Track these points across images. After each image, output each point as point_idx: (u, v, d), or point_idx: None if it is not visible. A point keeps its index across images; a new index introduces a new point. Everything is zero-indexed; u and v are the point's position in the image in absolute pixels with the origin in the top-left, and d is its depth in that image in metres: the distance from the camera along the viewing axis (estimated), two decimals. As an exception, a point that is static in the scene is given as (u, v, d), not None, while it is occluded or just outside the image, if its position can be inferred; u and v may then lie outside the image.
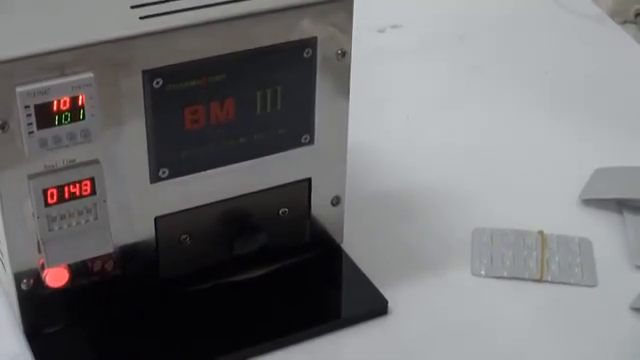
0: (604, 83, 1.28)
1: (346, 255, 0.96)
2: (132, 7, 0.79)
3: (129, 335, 0.87)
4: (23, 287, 0.82)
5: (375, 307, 0.91)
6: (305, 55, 0.83)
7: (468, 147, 1.14)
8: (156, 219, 0.85)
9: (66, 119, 0.75)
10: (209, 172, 0.85)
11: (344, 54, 0.85)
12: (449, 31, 1.38)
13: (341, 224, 0.95)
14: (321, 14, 0.82)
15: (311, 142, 0.88)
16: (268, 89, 0.83)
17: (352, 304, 0.93)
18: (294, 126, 0.86)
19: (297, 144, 0.87)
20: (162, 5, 0.79)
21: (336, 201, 0.93)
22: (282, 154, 0.87)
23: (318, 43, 0.83)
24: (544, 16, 1.44)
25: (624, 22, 1.45)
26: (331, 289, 0.95)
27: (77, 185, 0.79)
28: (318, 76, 0.85)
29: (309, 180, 0.90)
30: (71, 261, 0.82)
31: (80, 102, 0.75)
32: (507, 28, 1.40)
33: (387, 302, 0.91)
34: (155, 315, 0.89)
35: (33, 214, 0.79)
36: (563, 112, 1.21)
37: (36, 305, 0.84)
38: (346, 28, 0.84)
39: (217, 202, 0.87)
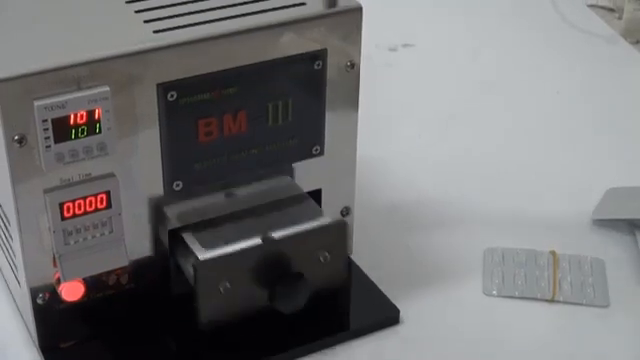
0: (616, 103, 1.29)
1: (355, 265, 0.96)
2: (145, 21, 0.80)
3: (144, 349, 0.87)
4: (39, 301, 0.83)
5: (387, 316, 0.91)
6: (315, 67, 0.84)
7: (479, 165, 1.15)
8: (195, 265, 0.82)
9: (82, 133, 0.76)
10: (222, 184, 0.85)
11: (353, 66, 0.86)
12: (461, 50, 1.39)
13: (351, 235, 0.95)
14: (331, 26, 0.83)
15: (321, 153, 0.89)
16: (279, 101, 0.84)
17: (363, 314, 0.93)
18: (305, 137, 0.87)
19: (308, 155, 0.88)
20: (175, 19, 0.80)
21: (346, 212, 0.94)
22: (293, 165, 0.88)
23: (328, 55, 0.84)
24: (556, 36, 1.44)
25: (637, 42, 1.46)
26: (341, 299, 0.95)
27: (93, 199, 0.79)
28: (328, 88, 0.86)
29: (319, 191, 0.91)
30: (87, 275, 0.82)
31: (96, 116, 0.76)
32: (519, 48, 1.41)
33: (399, 311, 0.91)
34: (169, 328, 0.89)
35: (49, 228, 0.79)
36: (575, 131, 1.22)
37: (52, 319, 0.84)
38: (355, 40, 0.85)
39: (255, 247, 0.83)
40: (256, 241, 0.84)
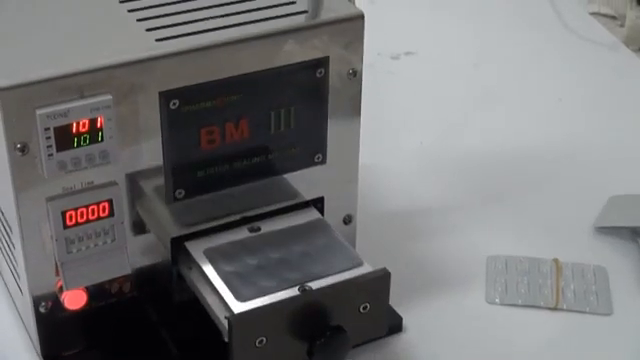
0: (619, 110, 1.28)
1: (358, 273, 0.96)
2: (147, 30, 0.80)
3: (146, 357, 0.88)
4: (41, 310, 0.83)
5: (389, 324, 0.90)
6: (318, 75, 0.84)
7: (482, 172, 1.15)
8: (231, 319, 0.76)
9: (85, 141, 0.76)
10: (224, 192, 0.85)
11: (355, 73, 0.86)
12: (463, 58, 1.39)
13: (353, 242, 0.95)
14: (333, 34, 0.83)
15: (324, 161, 0.88)
16: (282, 109, 0.84)
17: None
18: (307, 145, 0.87)
19: (310, 163, 0.88)
20: (177, 27, 0.80)
21: (348, 219, 0.93)
22: (296, 173, 0.88)
23: (330, 63, 0.84)
24: (558, 44, 1.44)
25: (639, 49, 1.46)
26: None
27: (95, 207, 0.79)
28: (330, 95, 0.86)
29: (322, 199, 0.91)
30: (89, 283, 0.82)
31: (99, 124, 0.76)
32: (521, 56, 1.40)
33: (401, 319, 0.91)
34: (171, 337, 0.89)
35: (51, 236, 0.79)
36: (577, 139, 1.22)
37: (54, 328, 0.84)
38: (357, 48, 0.85)
39: (294, 298, 0.79)
40: (293, 291, 0.80)
